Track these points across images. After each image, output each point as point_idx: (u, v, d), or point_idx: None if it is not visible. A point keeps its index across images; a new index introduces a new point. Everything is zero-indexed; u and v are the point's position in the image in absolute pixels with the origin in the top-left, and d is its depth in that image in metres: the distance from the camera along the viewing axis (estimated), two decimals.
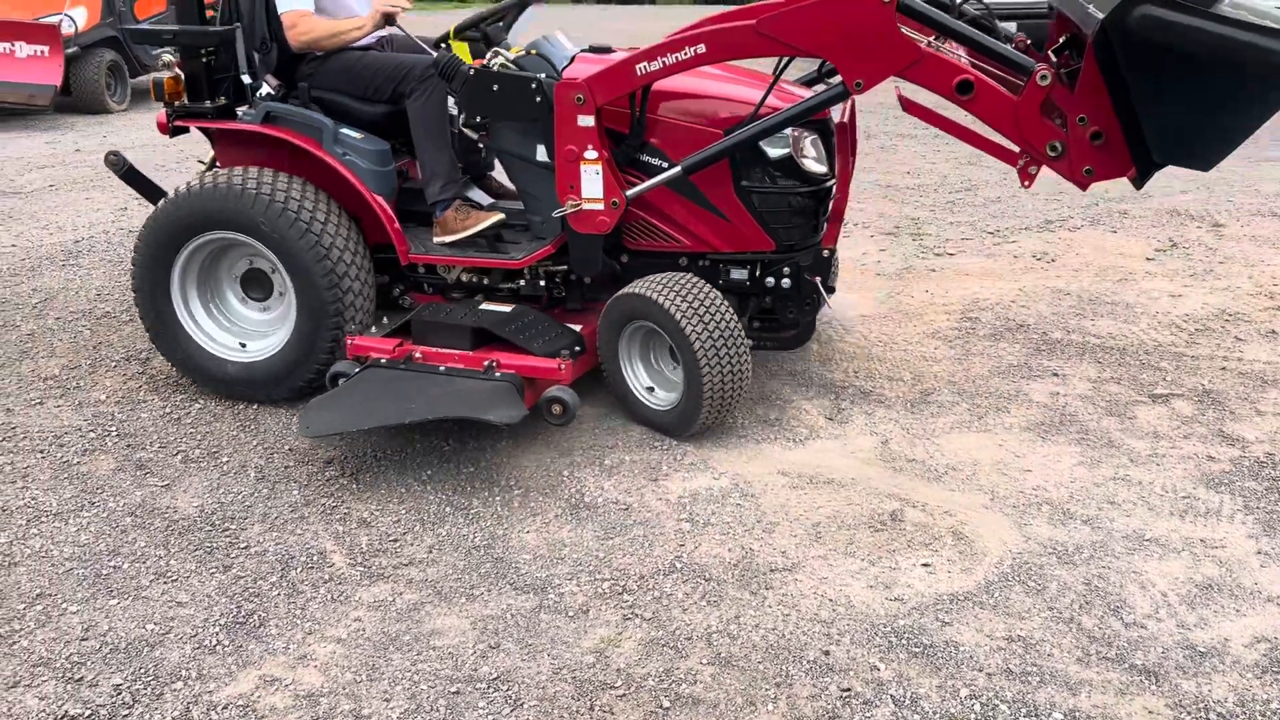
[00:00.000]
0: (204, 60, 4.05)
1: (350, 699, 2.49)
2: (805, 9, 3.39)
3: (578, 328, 3.95)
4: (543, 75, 3.79)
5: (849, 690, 2.51)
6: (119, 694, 2.51)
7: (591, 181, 3.72)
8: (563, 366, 3.63)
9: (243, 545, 3.11)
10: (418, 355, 3.75)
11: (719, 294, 3.69)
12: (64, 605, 2.84)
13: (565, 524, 3.22)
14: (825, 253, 3.94)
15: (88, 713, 2.46)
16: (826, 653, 2.64)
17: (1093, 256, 5.77)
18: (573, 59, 3.99)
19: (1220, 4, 3.21)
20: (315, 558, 3.05)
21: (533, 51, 3.92)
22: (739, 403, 3.75)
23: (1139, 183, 3.34)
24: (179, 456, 3.63)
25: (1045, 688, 2.51)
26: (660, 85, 3.74)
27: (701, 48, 3.49)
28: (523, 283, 4.12)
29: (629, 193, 3.75)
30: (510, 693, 2.51)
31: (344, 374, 3.71)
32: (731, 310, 3.66)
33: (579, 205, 3.76)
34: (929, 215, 6.61)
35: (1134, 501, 3.32)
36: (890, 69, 3.37)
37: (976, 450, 3.64)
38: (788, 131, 3.78)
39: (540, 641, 2.69)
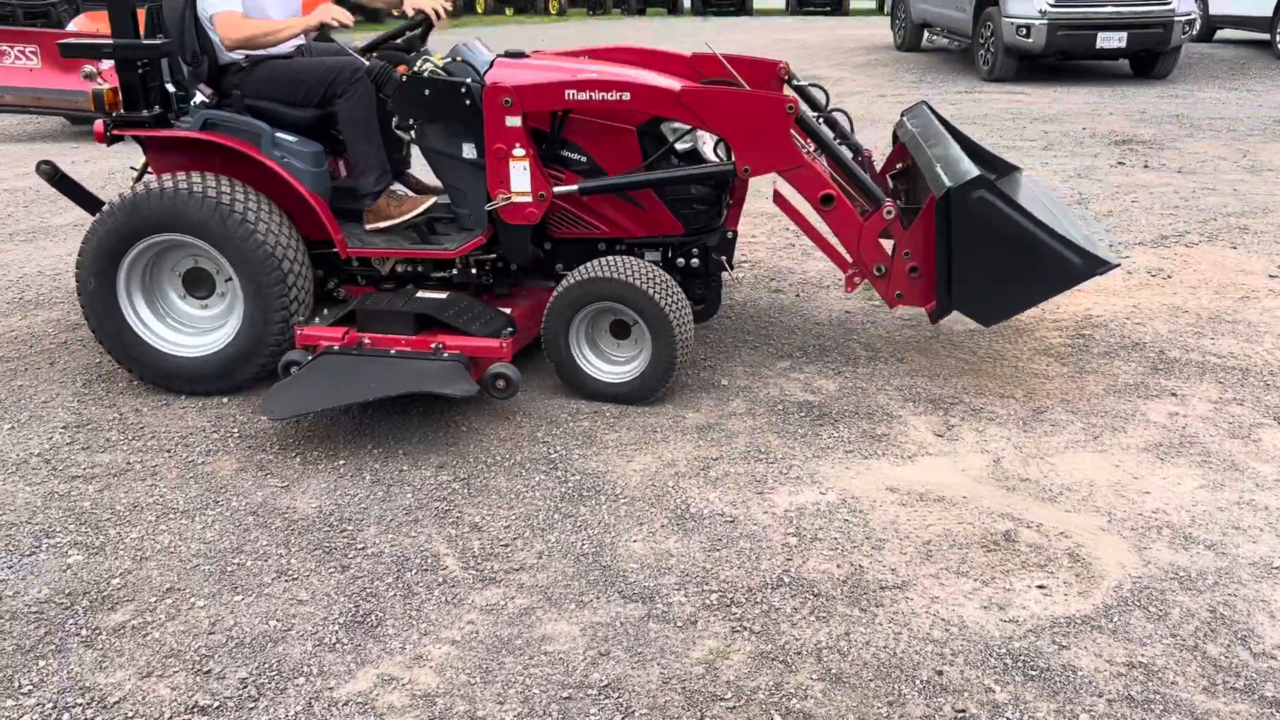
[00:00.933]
0: (140, 72, 4.21)
1: (465, 700, 2.54)
2: (723, 95, 3.94)
3: (507, 310, 4.23)
4: (469, 80, 4.06)
5: (964, 712, 2.47)
6: (245, 687, 2.60)
7: (520, 177, 4.05)
8: (504, 345, 3.92)
9: (360, 546, 3.20)
10: (367, 341, 3.99)
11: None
12: (192, 599, 2.96)
13: (671, 534, 3.23)
14: (729, 234, 4.43)
15: (216, 704, 2.55)
16: (940, 673, 2.60)
17: (1211, 273, 5.58)
18: (492, 63, 4.30)
19: (1011, 179, 4.31)
20: (429, 560, 3.12)
21: (458, 58, 4.22)
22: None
23: (934, 318, 4.01)
24: (297, 458, 3.75)
25: (1169, 717, 2.44)
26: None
27: (627, 95, 3.92)
28: (454, 271, 4.38)
29: (557, 189, 4.09)
30: (621, 700, 2.53)
31: (296, 362, 3.93)
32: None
33: (509, 198, 4.05)
34: None
35: (1261, 527, 3.20)
36: (777, 166, 3.95)
37: (1092, 471, 3.55)
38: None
39: (649, 650, 2.71)
